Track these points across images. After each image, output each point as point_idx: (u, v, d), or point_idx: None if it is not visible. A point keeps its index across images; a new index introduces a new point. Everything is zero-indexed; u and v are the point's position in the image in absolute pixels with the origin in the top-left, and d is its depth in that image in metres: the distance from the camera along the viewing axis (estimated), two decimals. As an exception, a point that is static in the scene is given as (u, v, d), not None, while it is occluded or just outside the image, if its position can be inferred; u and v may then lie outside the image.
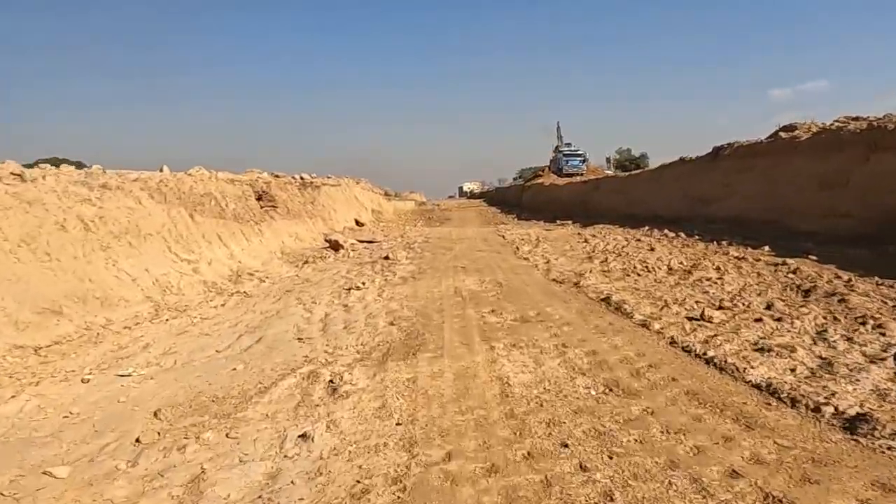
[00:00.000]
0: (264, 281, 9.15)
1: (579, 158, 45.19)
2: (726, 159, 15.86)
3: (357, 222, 23.60)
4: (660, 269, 8.39)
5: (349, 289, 7.94)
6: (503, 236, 16.43)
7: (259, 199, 13.34)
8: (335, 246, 14.54)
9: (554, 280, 8.30)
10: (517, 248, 13.16)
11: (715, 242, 11.06)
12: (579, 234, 15.84)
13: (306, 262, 11.55)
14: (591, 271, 8.77)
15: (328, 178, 23.51)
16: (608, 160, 56.59)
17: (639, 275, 8.17)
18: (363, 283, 8.20)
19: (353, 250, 14.10)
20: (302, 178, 18.88)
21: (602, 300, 6.62)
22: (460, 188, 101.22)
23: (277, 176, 17.73)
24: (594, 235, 14.75)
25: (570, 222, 22.10)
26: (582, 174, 41.31)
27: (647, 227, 15.22)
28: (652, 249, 10.88)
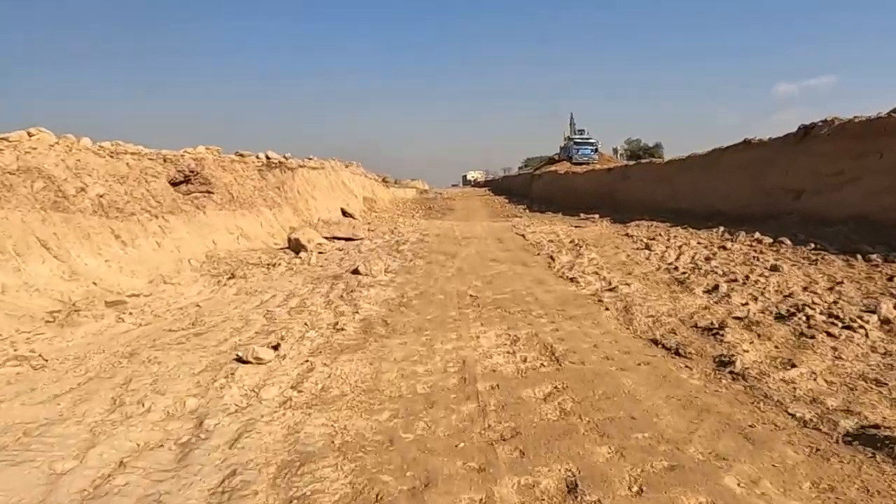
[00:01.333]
0: (124, 318, 5.02)
1: (591, 147, 40.98)
2: (823, 141, 11.60)
3: (344, 212, 19.44)
4: (864, 322, 4.22)
5: (239, 360, 3.78)
6: (523, 235, 12.26)
7: (183, 181, 9.17)
8: (295, 247, 10.41)
9: (657, 342, 4.16)
10: (551, 257, 9.04)
11: (864, 259, 6.90)
12: (627, 234, 11.67)
13: (233, 275, 7.41)
14: (715, 317, 4.62)
15: (308, 159, 19.30)
16: (615, 150, 52.44)
17: (830, 335, 4.01)
18: (276, 345, 4.07)
19: (318, 253, 9.97)
20: (268, 158, 14.68)
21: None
22: (464, 177, 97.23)
23: (235, 157, 13.52)
24: (652, 239, 10.58)
25: (596, 216, 17.96)
26: (593, 164, 37.23)
27: (719, 229, 11.05)
28: (775, 269, 6.70)
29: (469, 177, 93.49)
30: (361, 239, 12.55)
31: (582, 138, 41.28)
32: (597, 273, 7.24)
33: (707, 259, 7.95)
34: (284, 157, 16.99)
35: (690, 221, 12.96)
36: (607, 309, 5.24)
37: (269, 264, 8.76)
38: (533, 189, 36.99)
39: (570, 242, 10.55)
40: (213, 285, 6.92)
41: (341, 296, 6.14)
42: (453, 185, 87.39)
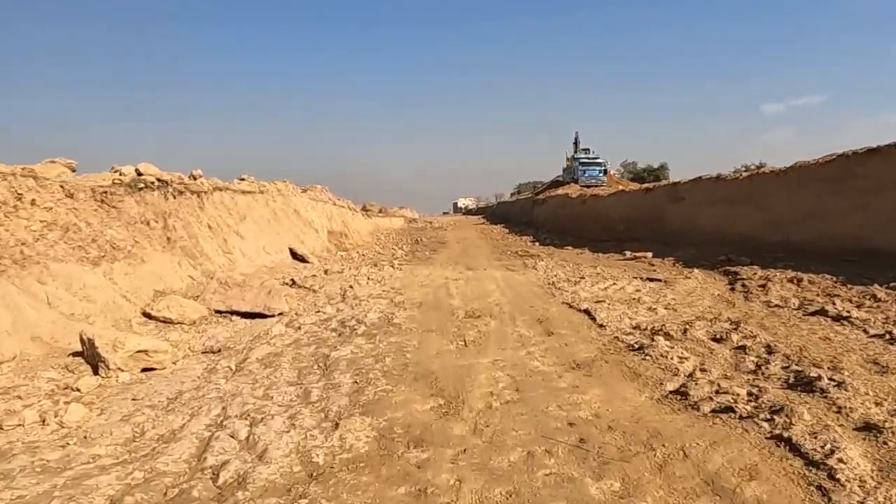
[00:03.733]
0: None
1: (599, 168, 35.70)
2: None
3: (294, 254, 13.61)
4: None
5: None
6: (590, 315, 6.28)
7: None
8: (91, 358, 4.47)
9: None
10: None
11: None
12: (771, 302, 5.90)
13: None
14: None
15: (240, 179, 13.52)
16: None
17: None
18: None
19: (125, 381, 4.06)
20: (139, 175, 8.81)
21: None
22: (455, 204, 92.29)
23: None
24: (848, 314, 4.78)
25: (649, 253, 12.29)
26: (601, 186, 31.98)
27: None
28: None
29: (460, 204, 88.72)
30: (277, 315, 6.69)
31: (588, 158, 36.00)
32: None
33: None
34: (192, 175, 11.18)
35: (829, 264, 7.42)
36: None
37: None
38: (537, 216, 31.43)
39: (725, 337, 4.75)
40: None
41: None
42: (444, 213, 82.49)
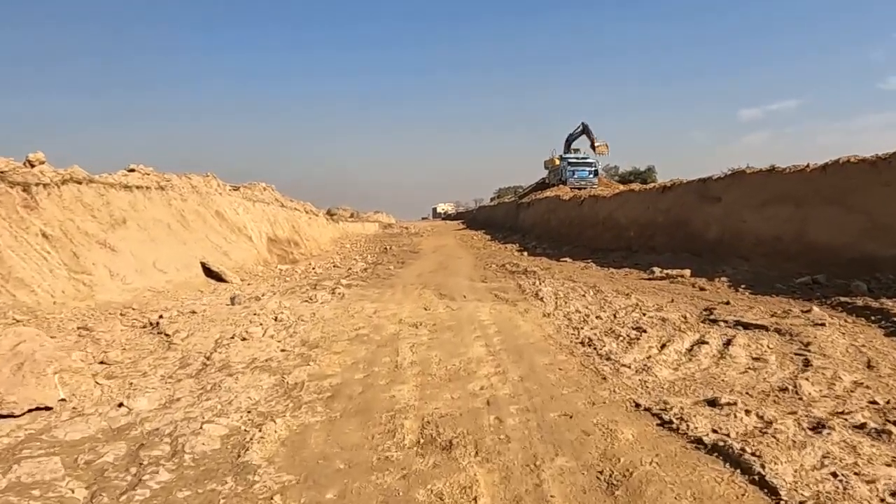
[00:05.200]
0: None
1: (589, 169, 32.50)
2: None
3: (207, 270, 9.99)
4: None
5: None
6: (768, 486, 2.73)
7: None
8: None
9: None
10: None
11: None
12: None
13: None
14: None
15: (128, 170, 9.74)
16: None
17: None
18: None
19: None
20: None
21: None
22: (434, 209, 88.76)
23: None
24: None
25: (686, 271, 9.00)
26: (592, 188, 28.87)
27: None
28: None
29: (439, 209, 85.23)
30: (25, 414, 3.01)
31: (578, 158, 32.72)
32: None
33: None
34: (29, 160, 7.40)
35: None
36: None
37: None
38: (522, 221, 28.09)
39: None
40: None
41: None
42: (423, 218, 79.20)
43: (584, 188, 28.79)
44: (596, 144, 32.84)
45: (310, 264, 14.69)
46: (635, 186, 17.78)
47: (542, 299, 6.73)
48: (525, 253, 17.16)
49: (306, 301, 7.19)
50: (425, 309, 6.36)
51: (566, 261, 13.83)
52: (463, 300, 6.99)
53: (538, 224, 25.26)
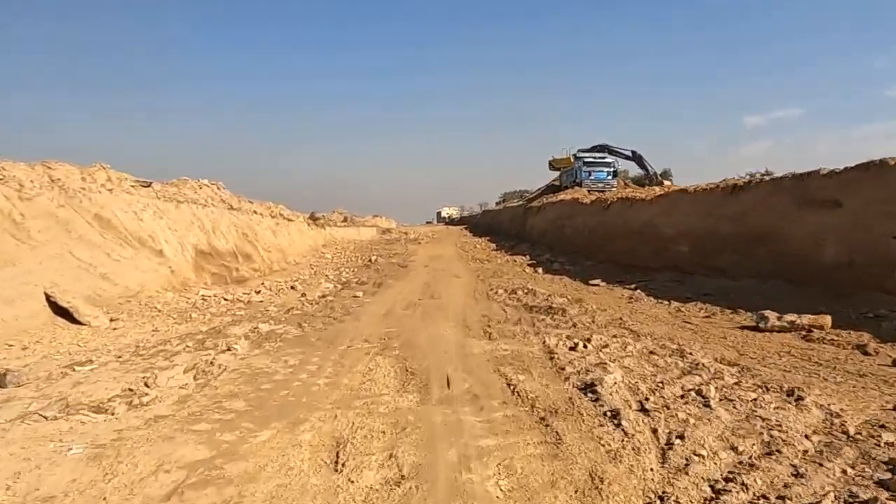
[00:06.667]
0: None
1: (608, 170, 28.60)
2: None
3: (56, 307, 6.35)
4: None
5: None
6: None
7: None
8: None
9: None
10: None
11: None
12: None
13: None
14: None
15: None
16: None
17: None
18: None
19: None
20: None
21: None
22: (438, 213, 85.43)
23: None
24: None
25: (825, 319, 5.23)
26: (610, 191, 25.04)
27: None
28: None
29: (444, 213, 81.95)
30: None
31: (595, 157, 28.89)
32: None
33: None
34: None
35: None
36: None
37: None
38: (530, 228, 24.41)
39: None
40: None
41: None
42: (427, 223, 75.81)
43: (603, 191, 25.01)
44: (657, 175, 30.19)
45: (261, 284, 11.10)
46: (687, 186, 13.99)
47: (615, 417, 3.03)
48: (539, 269, 13.49)
49: (188, 373, 3.52)
50: (349, 443, 2.69)
51: (598, 285, 10.15)
52: (443, 394, 3.32)
53: (549, 231, 21.57)
